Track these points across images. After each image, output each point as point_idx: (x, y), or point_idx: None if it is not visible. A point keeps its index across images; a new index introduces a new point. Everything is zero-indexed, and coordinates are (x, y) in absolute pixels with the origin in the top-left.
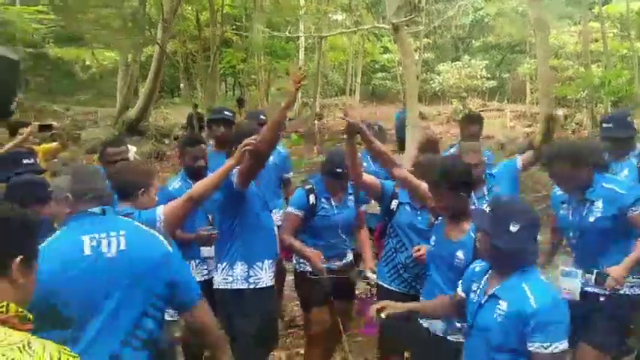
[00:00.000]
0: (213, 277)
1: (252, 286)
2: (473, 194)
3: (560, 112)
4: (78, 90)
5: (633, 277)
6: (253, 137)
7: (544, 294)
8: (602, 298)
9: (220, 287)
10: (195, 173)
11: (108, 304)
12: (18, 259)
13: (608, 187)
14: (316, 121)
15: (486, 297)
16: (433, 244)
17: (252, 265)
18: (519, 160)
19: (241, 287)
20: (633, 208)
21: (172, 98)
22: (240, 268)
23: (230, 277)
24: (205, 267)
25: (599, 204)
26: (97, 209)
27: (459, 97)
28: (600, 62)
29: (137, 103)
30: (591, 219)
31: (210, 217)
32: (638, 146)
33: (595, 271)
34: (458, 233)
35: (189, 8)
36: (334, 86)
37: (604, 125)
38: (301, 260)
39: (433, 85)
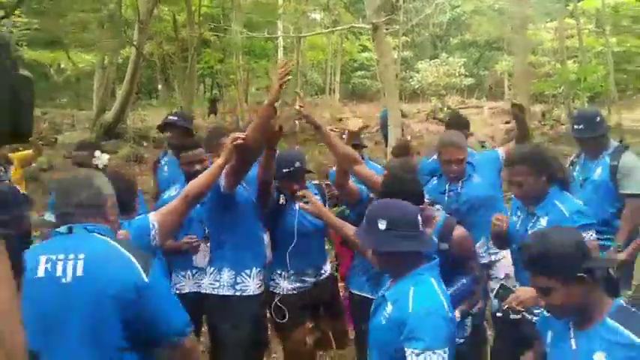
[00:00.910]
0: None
1: (238, 294)
2: (448, 186)
3: (538, 108)
4: (55, 93)
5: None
6: (240, 133)
7: (424, 299)
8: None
9: (207, 292)
10: (192, 178)
11: (66, 336)
12: None
13: (558, 206)
14: (297, 121)
15: (380, 298)
16: None
17: (240, 273)
18: (501, 150)
19: (227, 294)
20: None
21: (150, 100)
22: (227, 275)
23: (217, 282)
24: (202, 278)
25: (544, 221)
26: (63, 228)
27: (437, 94)
28: (576, 58)
29: (114, 106)
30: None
31: (204, 225)
32: (611, 144)
33: (501, 283)
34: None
35: (166, 9)
36: (314, 85)
37: (575, 127)
38: (272, 278)
39: (412, 83)
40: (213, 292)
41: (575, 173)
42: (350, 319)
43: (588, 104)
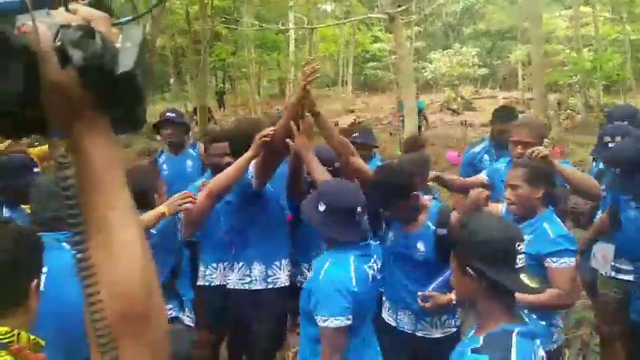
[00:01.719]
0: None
1: (270, 286)
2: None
3: (553, 97)
4: None
5: None
6: (270, 129)
7: (333, 273)
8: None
9: (237, 287)
10: (221, 170)
11: None
12: (34, 282)
13: (545, 228)
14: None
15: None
16: (392, 240)
17: (271, 265)
18: None
19: (259, 288)
20: (554, 259)
21: (162, 94)
22: (258, 269)
23: (247, 277)
24: (229, 274)
25: (526, 238)
26: None
27: (451, 85)
28: (592, 46)
29: None
30: None
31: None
32: None
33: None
34: (415, 225)
35: (178, 2)
36: (326, 77)
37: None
38: (299, 273)
39: (425, 74)
40: (244, 288)
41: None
42: None
43: (604, 93)
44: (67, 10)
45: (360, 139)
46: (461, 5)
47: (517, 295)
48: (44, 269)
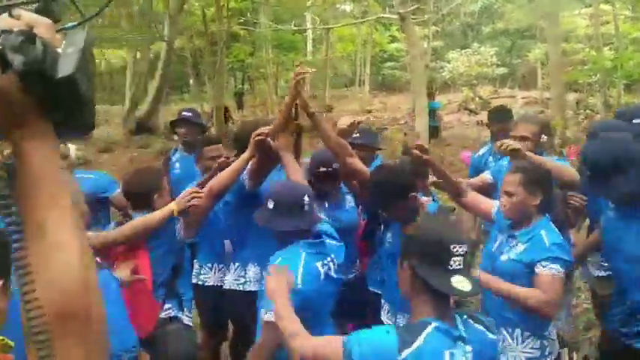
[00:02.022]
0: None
1: (264, 288)
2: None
3: (572, 96)
4: None
5: None
6: (265, 128)
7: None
8: None
9: (232, 288)
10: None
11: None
12: (1, 282)
13: (541, 236)
14: (324, 114)
15: None
16: (390, 241)
17: (266, 267)
18: None
19: (253, 289)
20: (544, 264)
21: (182, 95)
22: (252, 270)
23: (242, 278)
24: (224, 274)
25: (521, 247)
26: None
27: (469, 84)
28: (612, 45)
29: (146, 101)
30: (504, 257)
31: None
32: None
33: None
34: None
35: (196, 4)
36: (343, 77)
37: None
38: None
39: (443, 74)
40: (238, 289)
41: None
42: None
43: (625, 92)
44: (11, 15)
45: (361, 140)
46: (479, 4)
47: (499, 283)
48: None
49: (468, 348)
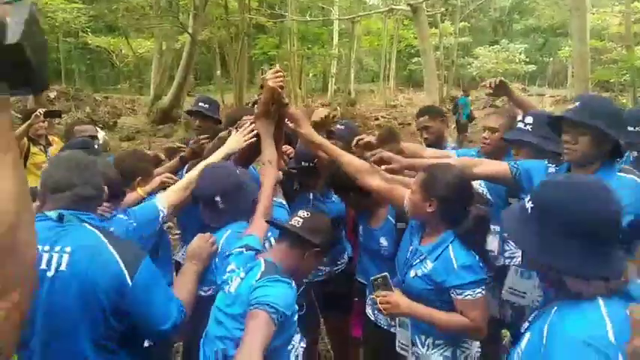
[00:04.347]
0: None
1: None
2: None
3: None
4: (119, 79)
5: None
6: (248, 117)
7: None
8: None
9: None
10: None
11: (48, 329)
12: None
13: (449, 255)
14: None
15: None
16: (362, 233)
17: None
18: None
19: None
20: (458, 291)
21: (208, 85)
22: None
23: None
24: None
25: (429, 265)
26: (53, 213)
27: None
28: None
29: (170, 91)
30: (412, 274)
31: None
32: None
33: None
34: (377, 220)
35: None
36: (369, 72)
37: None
38: None
39: (470, 70)
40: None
41: None
42: (357, 323)
43: None
44: None
45: (339, 134)
46: (510, 0)
47: (418, 309)
48: (67, 248)
49: None
